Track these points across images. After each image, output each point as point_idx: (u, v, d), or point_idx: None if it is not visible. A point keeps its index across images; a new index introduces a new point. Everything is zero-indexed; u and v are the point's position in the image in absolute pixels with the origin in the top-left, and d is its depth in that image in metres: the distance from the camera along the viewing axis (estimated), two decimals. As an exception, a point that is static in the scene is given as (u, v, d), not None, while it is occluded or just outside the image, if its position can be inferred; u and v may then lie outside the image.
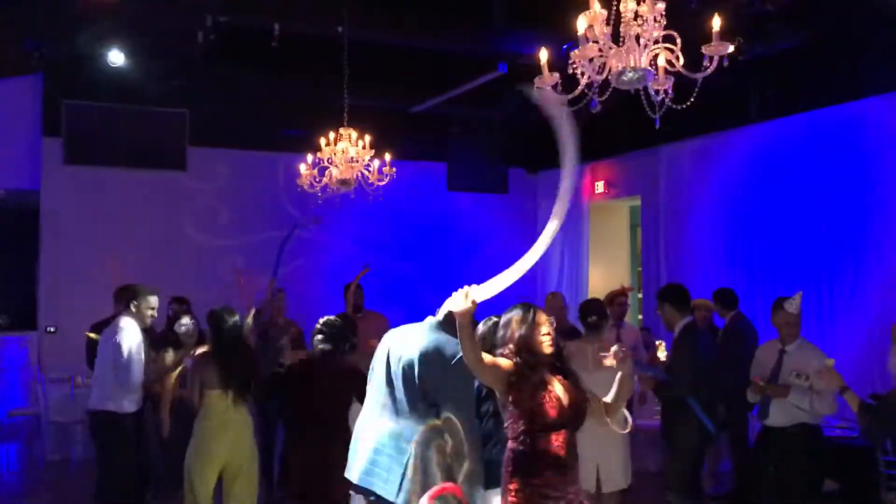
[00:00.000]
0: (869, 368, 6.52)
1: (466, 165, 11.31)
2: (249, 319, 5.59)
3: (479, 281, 3.23)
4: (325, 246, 10.37)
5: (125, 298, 5.72)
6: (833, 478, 5.74)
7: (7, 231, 10.35)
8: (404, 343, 3.89)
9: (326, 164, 7.19)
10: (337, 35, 7.42)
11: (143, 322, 5.66)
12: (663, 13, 3.66)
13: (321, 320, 5.04)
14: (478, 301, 3.12)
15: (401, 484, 3.67)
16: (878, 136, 7.12)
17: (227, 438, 5.00)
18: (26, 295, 9.98)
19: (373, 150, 7.21)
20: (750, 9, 5.41)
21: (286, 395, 5.06)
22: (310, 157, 7.34)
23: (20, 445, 8.77)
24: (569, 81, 3.92)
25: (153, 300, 5.68)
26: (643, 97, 3.95)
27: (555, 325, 3.50)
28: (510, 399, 3.34)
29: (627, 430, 3.66)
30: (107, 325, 5.77)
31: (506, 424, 3.41)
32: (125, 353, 5.44)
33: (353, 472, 3.92)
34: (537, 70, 4.00)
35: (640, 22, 3.74)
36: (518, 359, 3.37)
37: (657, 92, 3.90)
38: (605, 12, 3.76)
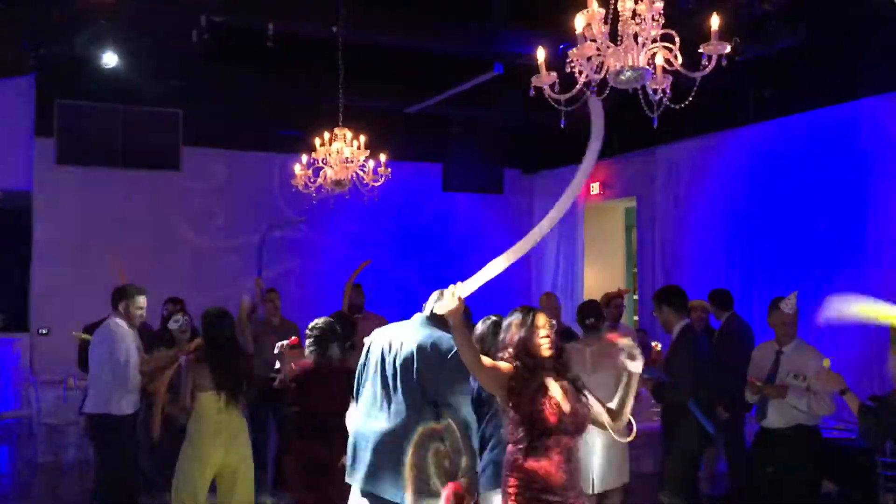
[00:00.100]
0: (867, 370, 6.52)
1: (462, 166, 11.30)
2: (244, 315, 5.50)
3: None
4: (320, 247, 10.34)
5: (113, 300, 5.69)
6: (831, 479, 5.72)
7: (-1, 232, 10.31)
8: (399, 340, 3.88)
9: (321, 164, 7.15)
10: (332, 35, 7.38)
11: (133, 322, 5.63)
12: (661, 12, 3.63)
13: (310, 325, 5.03)
14: (464, 297, 3.07)
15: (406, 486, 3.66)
16: (875, 137, 7.12)
17: (220, 441, 4.95)
18: (18, 296, 9.92)
19: (368, 151, 7.17)
20: (748, 9, 5.39)
21: (286, 400, 5.03)
22: (304, 158, 7.30)
23: (12, 448, 8.72)
24: (566, 81, 3.89)
25: (141, 300, 5.64)
26: (641, 97, 3.92)
27: (555, 327, 3.46)
28: (510, 404, 3.30)
29: (630, 439, 3.58)
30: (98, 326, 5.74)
31: (505, 429, 3.38)
32: (119, 355, 5.41)
33: (357, 477, 3.88)
34: (533, 70, 3.97)
35: (638, 21, 3.72)
36: (517, 362, 3.33)
37: (655, 91, 3.87)
38: (602, 11, 3.73)
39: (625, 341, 3.37)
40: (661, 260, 9.54)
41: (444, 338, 3.72)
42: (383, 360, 3.90)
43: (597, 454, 4.98)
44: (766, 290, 7.16)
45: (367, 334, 4.50)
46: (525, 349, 3.34)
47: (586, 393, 3.43)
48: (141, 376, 5.56)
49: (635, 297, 10.54)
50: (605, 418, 3.40)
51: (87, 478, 7.75)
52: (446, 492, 3.57)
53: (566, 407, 3.28)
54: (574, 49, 3.67)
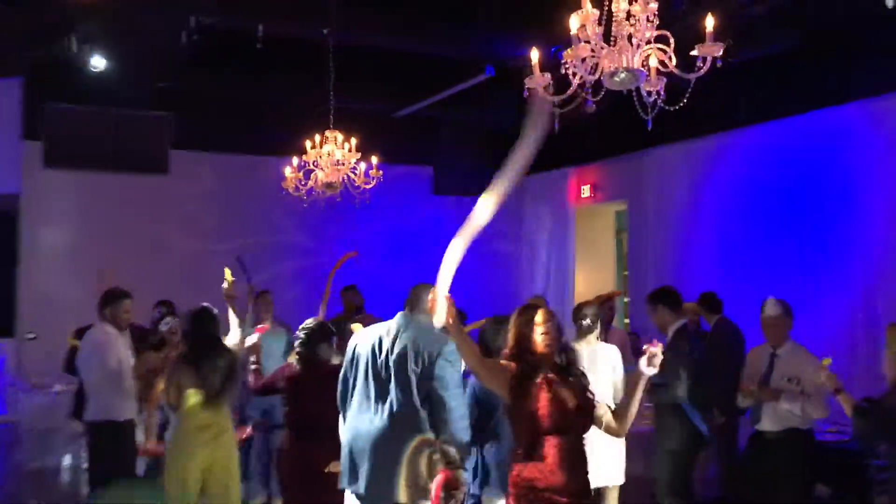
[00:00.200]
0: (853, 372, 6.51)
1: (452, 169, 11.27)
2: (235, 333, 5.42)
3: (464, 284, 3.19)
4: (310, 250, 10.29)
5: (99, 305, 5.65)
6: (825, 482, 5.72)
7: (-14, 235, 10.22)
8: (388, 340, 3.91)
9: (312, 167, 7.12)
10: (322, 37, 7.35)
11: (120, 326, 5.60)
12: (656, 13, 3.63)
13: (301, 325, 5.03)
14: (446, 292, 3.07)
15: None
16: (868, 140, 7.14)
17: (205, 439, 4.87)
18: (5, 301, 9.83)
19: (359, 154, 7.15)
20: (740, 11, 5.40)
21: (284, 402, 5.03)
22: (295, 161, 7.27)
23: (-2, 453, 8.65)
24: (559, 83, 3.88)
25: (126, 303, 5.62)
26: (635, 98, 3.91)
27: (557, 324, 3.42)
28: (513, 402, 3.28)
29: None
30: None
31: (510, 427, 3.36)
32: (110, 361, 5.38)
33: (358, 485, 3.87)
34: (525, 73, 3.97)
35: (632, 22, 3.71)
36: (518, 360, 3.32)
37: (649, 93, 3.86)
38: (596, 12, 3.72)
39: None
40: (652, 263, 9.54)
41: (433, 332, 3.75)
42: (374, 361, 3.90)
43: (595, 453, 4.96)
44: (757, 293, 7.14)
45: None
46: (524, 345, 3.33)
47: (592, 391, 3.41)
48: (136, 381, 5.53)
49: (626, 299, 10.54)
50: (609, 418, 3.39)
51: (75, 483, 7.70)
52: (437, 481, 3.56)
53: (572, 405, 3.25)
54: (569, 50, 3.66)
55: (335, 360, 5.10)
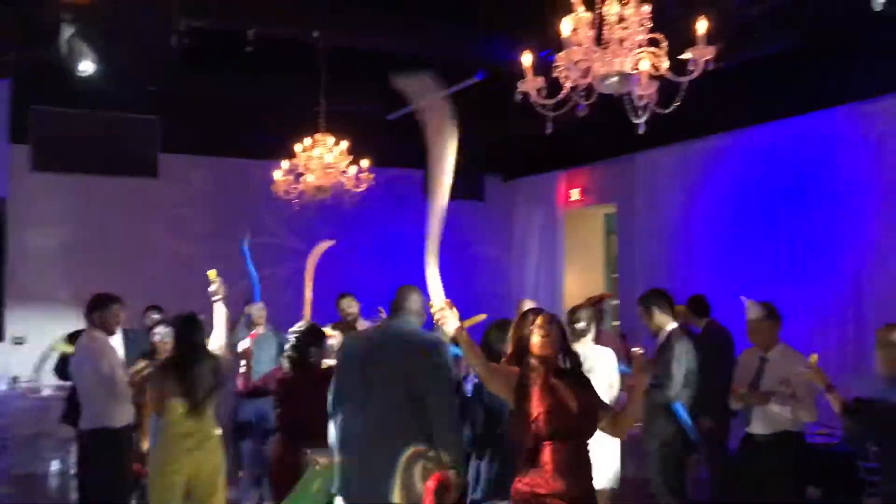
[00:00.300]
0: (842, 373, 6.54)
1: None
2: (220, 335, 5.37)
3: (454, 287, 3.23)
4: (301, 253, 10.23)
5: (87, 311, 5.61)
6: (815, 484, 5.74)
7: (-28, 239, 10.13)
8: (379, 343, 3.95)
9: (302, 170, 7.11)
10: (313, 40, 7.33)
11: (110, 331, 5.57)
12: (650, 16, 3.64)
13: (290, 329, 5.03)
14: (443, 300, 3.14)
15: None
16: (854, 143, 7.18)
17: (189, 448, 4.82)
18: (-8, 304, 9.76)
19: (350, 157, 7.14)
20: (735, 13, 5.42)
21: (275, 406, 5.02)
22: (286, 164, 7.25)
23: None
24: (549, 87, 3.89)
25: (116, 307, 5.59)
26: (626, 102, 3.92)
27: (559, 328, 3.42)
28: (516, 407, 3.27)
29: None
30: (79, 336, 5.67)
31: (514, 431, 3.35)
32: (103, 368, 5.35)
33: (351, 490, 3.86)
34: (516, 76, 3.97)
35: (624, 25, 3.72)
36: (520, 364, 3.32)
37: (640, 97, 3.87)
38: (589, 15, 3.73)
39: (638, 351, 3.37)
40: (641, 266, 9.56)
41: (423, 333, 3.82)
42: (364, 366, 3.89)
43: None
44: (747, 296, 7.17)
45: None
46: (524, 348, 3.33)
47: (596, 392, 3.42)
48: (130, 387, 5.50)
49: (615, 302, 10.56)
50: (608, 420, 3.39)
51: (63, 489, 7.65)
52: (430, 483, 3.55)
53: (575, 408, 3.24)
54: (561, 53, 3.67)
55: (326, 363, 5.11)
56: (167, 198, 9.88)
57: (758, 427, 4.97)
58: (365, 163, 7.21)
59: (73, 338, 5.94)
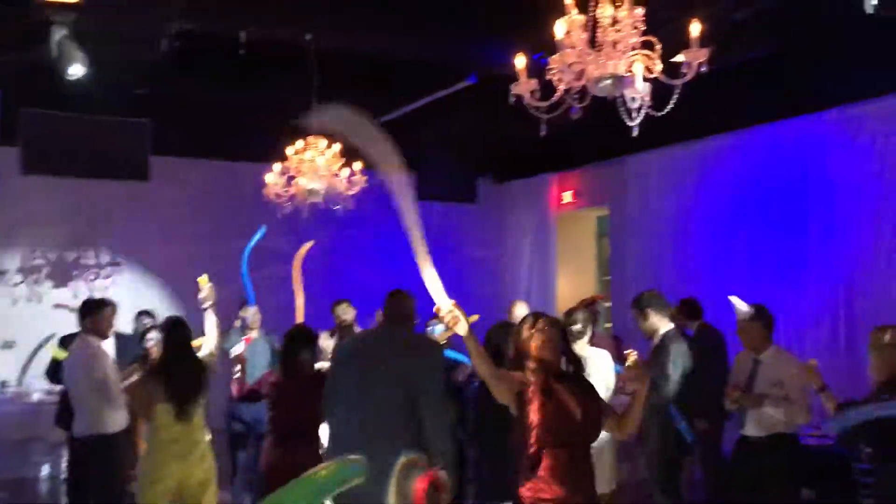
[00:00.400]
0: (834, 375, 6.55)
1: (435, 175, 11.24)
2: (211, 340, 5.32)
3: (447, 290, 3.22)
4: (293, 256, 10.22)
5: (79, 316, 5.58)
6: (809, 486, 5.75)
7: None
8: (373, 346, 3.99)
9: (295, 173, 7.09)
10: (306, 43, 7.31)
11: (102, 335, 5.57)
12: (644, 18, 3.64)
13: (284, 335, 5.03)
14: (447, 302, 3.14)
15: None
16: (844, 146, 7.21)
17: (177, 454, 4.78)
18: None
19: (342, 159, 7.12)
20: (724, 16, 5.43)
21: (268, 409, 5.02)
22: (278, 167, 7.22)
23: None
24: (542, 90, 3.89)
25: (107, 311, 5.57)
26: (620, 104, 3.92)
27: (560, 332, 3.40)
28: (518, 413, 3.26)
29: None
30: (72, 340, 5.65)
31: (516, 437, 3.33)
32: (97, 374, 5.33)
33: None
34: (509, 79, 3.97)
35: (617, 28, 3.72)
36: (521, 369, 3.31)
37: (633, 99, 3.88)
38: (582, 18, 3.73)
39: (632, 354, 3.37)
40: (633, 268, 9.58)
41: (416, 335, 3.90)
42: (357, 370, 3.89)
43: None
44: (739, 297, 7.19)
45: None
46: (524, 352, 3.31)
47: (599, 396, 3.41)
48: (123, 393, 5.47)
49: (607, 304, 10.57)
50: (612, 423, 3.39)
51: (54, 493, 7.60)
52: (421, 483, 3.53)
53: (579, 414, 3.22)
54: (555, 55, 3.67)
55: (318, 365, 5.11)
56: (159, 201, 9.85)
57: (752, 429, 4.98)
58: (357, 165, 7.19)
59: (65, 341, 5.92)
